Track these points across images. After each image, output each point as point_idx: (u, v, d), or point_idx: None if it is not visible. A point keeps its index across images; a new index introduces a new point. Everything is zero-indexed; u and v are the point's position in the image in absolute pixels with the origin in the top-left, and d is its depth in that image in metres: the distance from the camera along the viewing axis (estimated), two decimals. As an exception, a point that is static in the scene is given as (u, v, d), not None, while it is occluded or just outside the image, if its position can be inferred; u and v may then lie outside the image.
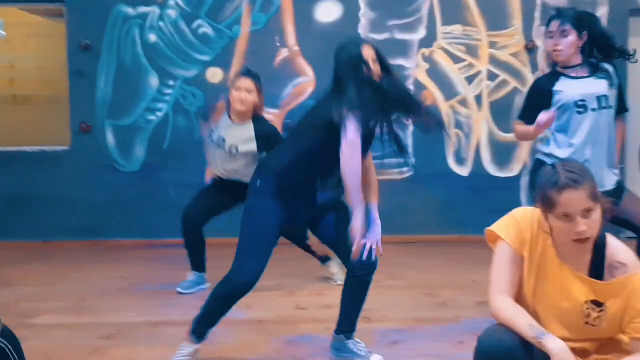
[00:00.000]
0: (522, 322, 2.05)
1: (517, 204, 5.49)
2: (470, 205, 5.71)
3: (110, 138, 5.80)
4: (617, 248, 2.13)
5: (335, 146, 2.73)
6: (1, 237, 5.67)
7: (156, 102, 5.79)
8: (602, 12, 5.69)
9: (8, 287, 4.39)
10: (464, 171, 5.86)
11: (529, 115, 3.26)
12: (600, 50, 3.28)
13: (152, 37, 5.74)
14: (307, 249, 4.42)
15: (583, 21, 3.25)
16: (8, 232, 5.69)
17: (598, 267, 2.13)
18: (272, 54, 5.78)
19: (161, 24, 5.74)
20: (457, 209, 5.77)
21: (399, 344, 3.27)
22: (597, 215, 2.05)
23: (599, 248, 2.13)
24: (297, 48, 5.81)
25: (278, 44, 5.79)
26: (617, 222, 3.19)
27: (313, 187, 2.89)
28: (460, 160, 5.86)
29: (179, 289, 4.20)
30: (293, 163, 2.83)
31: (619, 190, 3.32)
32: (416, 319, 3.64)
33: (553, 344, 1.96)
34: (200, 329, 2.90)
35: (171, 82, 5.78)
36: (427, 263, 5.04)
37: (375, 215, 2.93)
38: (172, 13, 5.73)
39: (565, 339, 2.01)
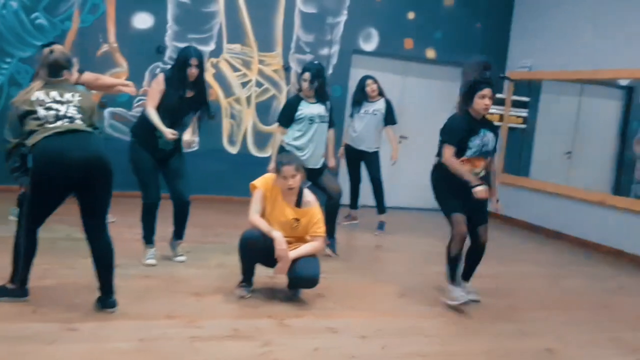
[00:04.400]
0: (263, 225, 4.37)
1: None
2: (236, 174, 8.00)
3: (-50, 99, 7.03)
4: (307, 194, 4.56)
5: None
6: None
7: (-6, 74, 7.16)
8: (335, 49, 8.38)
9: None
10: (233, 150, 8.17)
11: (282, 120, 5.66)
12: (322, 89, 5.73)
13: (-6, 22, 7.08)
14: None
15: (320, 73, 5.66)
16: None
17: (299, 202, 4.53)
18: (95, 47, 7.46)
19: (4, 11, 7.10)
20: (227, 177, 8.02)
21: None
22: (299, 178, 4.43)
23: (300, 193, 4.53)
24: (116, 45, 7.57)
25: (101, 40, 7.49)
26: (318, 187, 5.71)
27: None
28: (232, 142, 8.15)
29: None
30: None
31: (322, 168, 5.83)
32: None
33: (276, 233, 4.32)
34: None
35: (8, 60, 7.18)
36: (205, 212, 7.18)
37: None
38: (13, 4, 7.13)
39: (283, 235, 4.38)
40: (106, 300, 3.87)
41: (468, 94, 4.71)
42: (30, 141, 3.68)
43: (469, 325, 4.42)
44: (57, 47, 4.03)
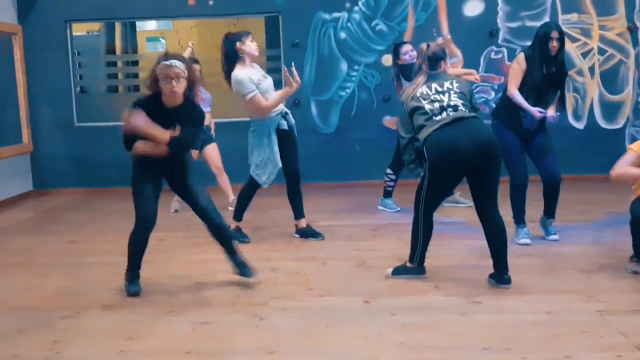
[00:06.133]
0: None
1: (622, 149, 7.32)
2: (585, 151, 7.55)
3: (313, 109, 7.96)
4: None
5: None
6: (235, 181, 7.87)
7: (346, 82, 7.90)
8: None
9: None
10: (579, 125, 7.72)
11: None
12: None
13: (342, 35, 7.82)
14: None
15: None
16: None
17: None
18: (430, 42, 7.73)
19: (349, 24, 7.80)
20: (574, 154, 7.59)
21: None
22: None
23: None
24: (449, 36, 7.76)
25: (435, 34, 7.75)
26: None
27: None
28: (577, 117, 7.72)
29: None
30: None
31: None
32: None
33: None
34: None
35: (356, 67, 7.87)
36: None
37: None
38: (356, 16, 7.79)
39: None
40: (501, 277, 3.94)
41: None
42: (422, 135, 3.93)
43: None
44: (427, 44, 4.27)
